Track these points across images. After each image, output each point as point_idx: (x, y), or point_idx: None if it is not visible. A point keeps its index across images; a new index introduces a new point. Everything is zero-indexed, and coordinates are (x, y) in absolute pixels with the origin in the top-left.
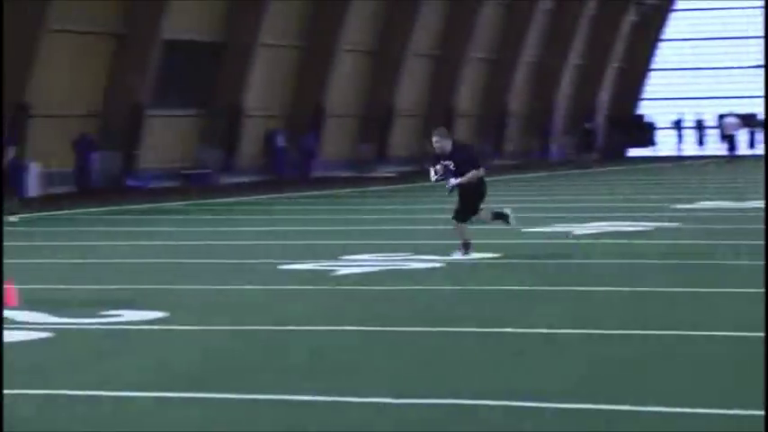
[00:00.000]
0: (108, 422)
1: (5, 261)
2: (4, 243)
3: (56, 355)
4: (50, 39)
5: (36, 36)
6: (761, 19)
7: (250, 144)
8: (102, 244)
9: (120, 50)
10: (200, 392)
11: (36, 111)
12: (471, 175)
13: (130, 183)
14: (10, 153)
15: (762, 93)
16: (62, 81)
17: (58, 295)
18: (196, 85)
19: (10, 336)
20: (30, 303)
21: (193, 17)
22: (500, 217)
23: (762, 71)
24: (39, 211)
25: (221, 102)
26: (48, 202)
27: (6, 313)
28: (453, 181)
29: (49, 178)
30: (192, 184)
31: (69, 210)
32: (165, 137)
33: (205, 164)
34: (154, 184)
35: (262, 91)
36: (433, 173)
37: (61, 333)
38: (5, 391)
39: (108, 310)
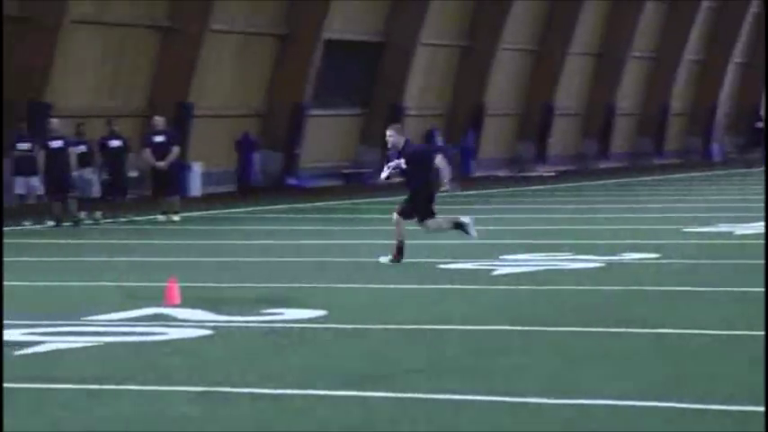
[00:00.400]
0: (267, 420)
1: (168, 259)
2: (167, 241)
3: (216, 353)
4: (213, 39)
5: (199, 36)
6: None
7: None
8: (262, 243)
9: (281, 50)
10: (357, 391)
11: (199, 111)
12: (447, 171)
13: (291, 182)
14: (174, 153)
15: None
16: (225, 81)
17: (219, 293)
18: (356, 85)
19: (171, 333)
20: (191, 301)
21: (354, 17)
22: (459, 227)
23: None
24: (201, 210)
25: (381, 101)
26: (209, 201)
27: (168, 311)
28: (385, 172)
29: (211, 178)
30: (352, 184)
31: (230, 209)
32: (326, 136)
33: (364, 163)
34: (314, 184)
35: (421, 90)
36: (385, 171)
37: (222, 331)
38: (164, 388)
39: (268, 308)
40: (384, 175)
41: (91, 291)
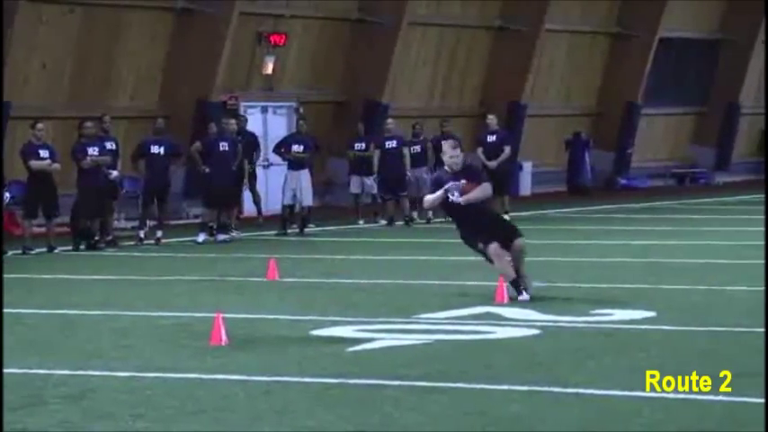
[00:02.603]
0: (594, 421)
1: None
2: None
3: (544, 352)
4: (546, 39)
5: (533, 36)
6: None
7: (743, 142)
8: (592, 243)
9: (615, 49)
10: (688, 394)
11: (530, 110)
12: (480, 191)
13: (623, 182)
14: (506, 153)
15: None
16: (557, 81)
17: (548, 293)
18: (690, 84)
19: (499, 332)
20: (518, 301)
21: (690, 15)
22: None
23: None
24: (531, 210)
25: (717, 100)
26: (539, 200)
27: (497, 310)
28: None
29: (541, 177)
30: (685, 184)
31: (560, 208)
32: (658, 136)
33: (697, 163)
34: (645, 184)
35: (757, 88)
36: (450, 194)
37: (550, 330)
38: (492, 387)
39: (597, 308)
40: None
41: (421, 289)
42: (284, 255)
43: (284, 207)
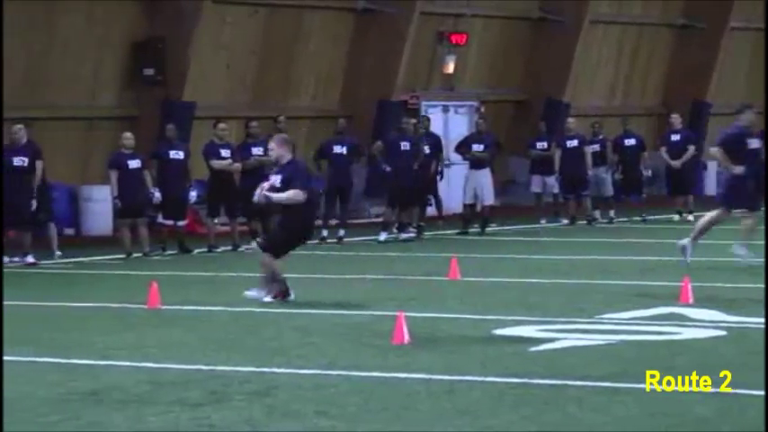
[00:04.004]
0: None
1: (682, 258)
2: (679, 241)
3: (728, 354)
4: (731, 36)
5: (717, 35)
6: None
7: None
8: None
9: None
10: None
11: (715, 109)
12: (289, 194)
13: None
14: (689, 152)
15: None
16: (741, 79)
17: (735, 294)
18: None
19: (684, 333)
20: (706, 301)
21: None
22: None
23: None
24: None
25: None
26: None
27: (682, 310)
28: (266, 194)
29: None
30: None
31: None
32: None
33: None
34: None
35: None
36: (258, 191)
37: (735, 332)
38: (676, 388)
39: None
40: (257, 197)
41: (604, 289)
42: (466, 254)
43: (465, 206)
